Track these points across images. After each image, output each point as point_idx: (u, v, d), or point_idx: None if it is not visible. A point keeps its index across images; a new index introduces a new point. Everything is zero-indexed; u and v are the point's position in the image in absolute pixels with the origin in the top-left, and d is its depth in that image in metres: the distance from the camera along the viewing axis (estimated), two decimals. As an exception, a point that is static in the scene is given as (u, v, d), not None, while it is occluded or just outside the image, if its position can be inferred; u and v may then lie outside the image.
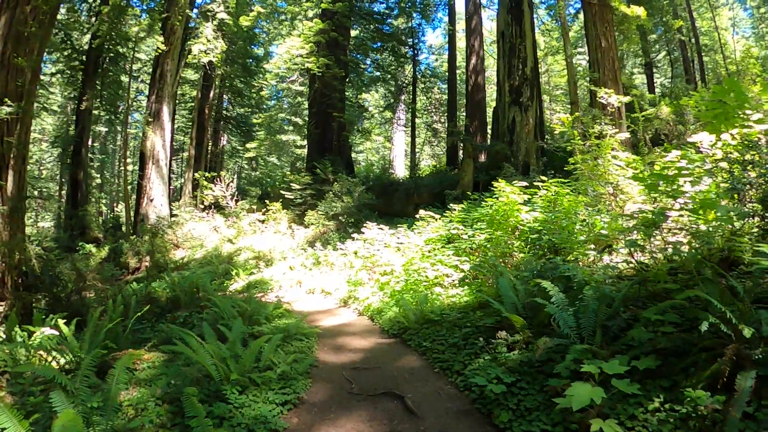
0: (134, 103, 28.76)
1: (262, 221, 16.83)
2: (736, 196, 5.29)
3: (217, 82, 26.03)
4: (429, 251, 8.75)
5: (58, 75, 24.18)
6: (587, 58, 19.59)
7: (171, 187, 24.89)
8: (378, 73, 26.00)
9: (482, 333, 4.75)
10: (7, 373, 5.06)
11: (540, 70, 25.53)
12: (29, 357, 5.44)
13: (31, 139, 34.03)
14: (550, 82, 33.61)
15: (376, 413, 3.84)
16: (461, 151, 20.51)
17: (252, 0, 25.55)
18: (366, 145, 36.03)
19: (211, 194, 18.87)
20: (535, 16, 19.97)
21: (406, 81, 27.18)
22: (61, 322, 6.32)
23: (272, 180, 26.41)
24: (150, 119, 19.20)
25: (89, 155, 26.41)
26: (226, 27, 21.08)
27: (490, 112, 24.62)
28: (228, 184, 19.45)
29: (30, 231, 29.00)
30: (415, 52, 25.97)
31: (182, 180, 26.35)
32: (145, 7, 20.27)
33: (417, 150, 28.50)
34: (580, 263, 6.00)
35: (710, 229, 4.36)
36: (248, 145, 25.12)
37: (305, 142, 23.22)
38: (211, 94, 25.65)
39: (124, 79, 23.19)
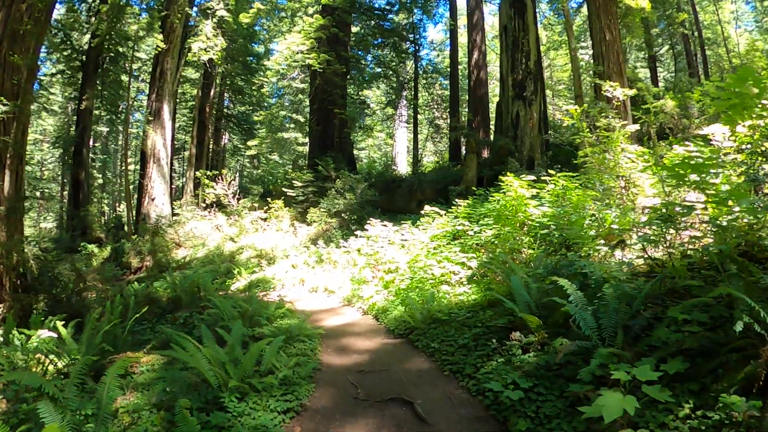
0: (135, 103, 28.63)
1: (264, 219, 16.66)
2: (753, 188, 5.09)
3: (217, 81, 25.86)
4: (434, 248, 8.55)
5: (59, 75, 24.06)
6: (590, 52, 19.37)
7: (173, 186, 24.77)
8: (379, 70, 25.77)
9: (494, 333, 4.54)
10: (2, 377, 4.91)
11: (542, 65, 25.28)
12: (27, 360, 5.28)
13: (32, 140, 34.05)
14: (553, 77, 33.33)
15: (383, 421, 3.62)
16: (464, 147, 20.34)
17: (252, -3, 25.32)
18: (368, 141, 35.81)
19: (212, 193, 18.73)
20: (537, 10, 19.71)
21: (408, 77, 26.94)
22: (59, 323, 6.15)
23: (274, 178, 26.25)
24: (150, 118, 19.07)
25: (91, 155, 26.32)
26: (225, 24, 20.88)
27: (492, 107, 24.42)
28: (230, 183, 19.30)
29: (32, 232, 28.96)
30: (417, 47, 25.74)
31: (184, 179, 26.20)
32: (144, 6, 20.09)
33: (419, 146, 28.27)
34: (591, 259, 5.79)
35: (725, 223, 4.14)
36: (249, 143, 24.98)
37: (307, 140, 23.03)
38: (212, 93, 25.48)
39: (125, 78, 23.03)
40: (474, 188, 12.28)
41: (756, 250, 4.40)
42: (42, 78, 25.56)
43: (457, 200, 10.16)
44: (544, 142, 15.38)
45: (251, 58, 27.77)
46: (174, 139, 23.15)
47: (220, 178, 19.15)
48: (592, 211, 6.80)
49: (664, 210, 4.24)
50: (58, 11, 23.19)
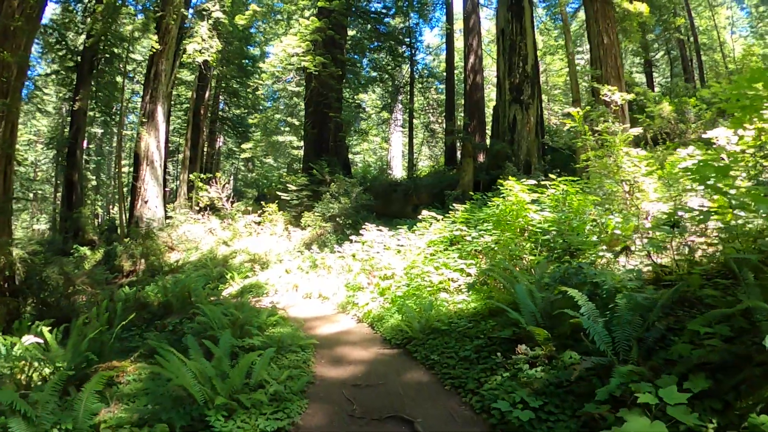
0: (129, 104, 28.36)
1: (258, 223, 16.42)
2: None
3: (212, 83, 25.69)
4: (432, 254, 8.34)
5: (53, 75, 23.80)
6: (586, 57, 19.29)
7: (167, 189, 24.53)
8: (375, 73, 25.61)
9: (497, 345, 4.31)
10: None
11: (539, 69, 25.20)
12: (12, 368, 5.04)
13: (26, 140, 33.70)
14: (549, 81, 33.30)
15: (381, 441, 3.40)
16: (460, 151, 20.19)
17: (248, -1, 25.15)
18: (363, 146, 35.65)
19: (206, 196, 18.53)
20: (534, 14, 19.63)
21: (404, 81, 26.81)
22: (45, 329, 5.89)
23: (268, 181, 26.01)
24: (144, 120, 18.86)
25: (85, 157, 26.04)
26: (221, 26, 20.73)
27: (488, 111, 24.32)
28: (224, 186, 19.10)
29: (25, 233, 28.59)
30: (413, 51, 25.60)
31: (178, 182, 25.93)
32: (140, 6, 19.86)
33: (414, 150, 28.13)
34: (596, 266, 5.60)
35: (747, 227, 3.96)
36: (244, 146, 24.78)
37: (302, 143, 22.83)
38: (207, 95, 25.28)
39: (119, 79, 22.81)
40: (471, 193, 12.10)
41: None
42: (36, 78, 25.34)
43: (454, 205, 9.97)
44: (541, 146, 15.26)
45: (247, 61, 27.59)
46: (168, 141, 22.90)
47: (214, 181, 18.95)
48: (594, 217, 6.63)
49: (678, 215, 4.04)
50: (54, 11, 23.00)
